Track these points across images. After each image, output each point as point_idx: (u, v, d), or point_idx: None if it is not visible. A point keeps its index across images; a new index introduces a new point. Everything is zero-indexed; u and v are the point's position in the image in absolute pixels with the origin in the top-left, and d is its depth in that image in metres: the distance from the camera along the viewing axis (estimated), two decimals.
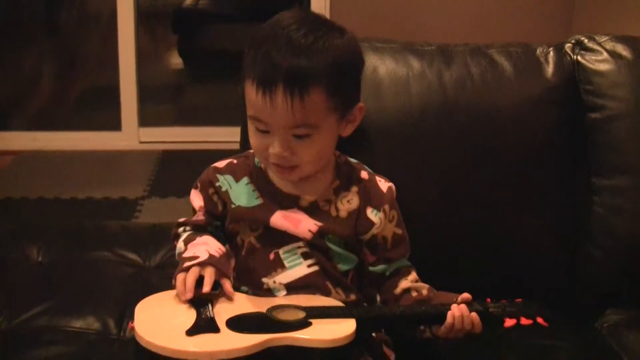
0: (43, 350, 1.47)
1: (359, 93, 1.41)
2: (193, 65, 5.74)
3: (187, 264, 1.33)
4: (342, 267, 1.41)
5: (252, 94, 1.33)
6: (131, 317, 1.30)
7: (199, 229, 1.46)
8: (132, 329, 1.26)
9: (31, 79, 5.23)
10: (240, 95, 1.43)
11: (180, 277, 1.32)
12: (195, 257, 1.34)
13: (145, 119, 4.33)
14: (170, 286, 1.37)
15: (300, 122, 1.31)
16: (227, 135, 3.41)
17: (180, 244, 1.44)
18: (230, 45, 5.29)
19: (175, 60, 5.79)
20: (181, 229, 1.49)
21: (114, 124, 4.28)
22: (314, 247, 1.39)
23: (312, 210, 1.41)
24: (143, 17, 4.54)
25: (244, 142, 1.62)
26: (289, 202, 1.41)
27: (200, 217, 1.48)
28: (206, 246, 1.38)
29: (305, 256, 1.39)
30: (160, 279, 1.71)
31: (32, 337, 1.51)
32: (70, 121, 4.62)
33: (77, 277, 1.72)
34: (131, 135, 4.27)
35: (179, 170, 3.89)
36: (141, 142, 4.27)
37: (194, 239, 1.42)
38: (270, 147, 1.34)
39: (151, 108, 4.55)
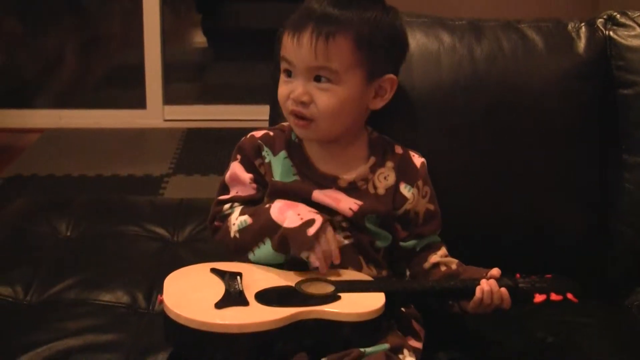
0: (73, 323, 1.48)
1: (391, 66, 1.41)
2: (217, 43, 5.74)
3: (310, 231, 1.28)
4: (379, 244, 1.40)
5: (285, 38, 1.35)
6: (160, 291, 1.29)
7: (251, 204, 1.40)
8: (162, 302, 1.26)
9: (56, 57, 5.25)
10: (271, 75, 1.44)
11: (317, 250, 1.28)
12: (311, 221, 1.29)
13: (170, 97, 4.34)
14: (198, 260, 1.38)
15: (322, 64, 1.32)
16: (251, 114, 3.42)
17: (241, 219, 1.36)
18: (254, 24, 5.30)
19: (200, 39, 5.80)
20: (227, 206, 1.41)
21: (139, 102, 4.29)
22: (353, 224, 1.38)
23: (350, 190, 1.39)
24: None
25: (274, 119, 1.62)
26: (327, 182, 1.39)
27: (250, 191, 1.41)
28: (296, 208, 1.32)
29: (342, 229, 1.37)
30: (188, 253, 1.72)
31: (62, 310, 1.52)
32: (95, 99, 4.64)
33: (106, 251, 1.73)
34: (156, 113, 4.28)
35: (203, 148, 3.91)
36: (166, 120, 4.28)
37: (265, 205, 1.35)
38: (292, 92, 1.34)
39: (176, 86, 4.56)
